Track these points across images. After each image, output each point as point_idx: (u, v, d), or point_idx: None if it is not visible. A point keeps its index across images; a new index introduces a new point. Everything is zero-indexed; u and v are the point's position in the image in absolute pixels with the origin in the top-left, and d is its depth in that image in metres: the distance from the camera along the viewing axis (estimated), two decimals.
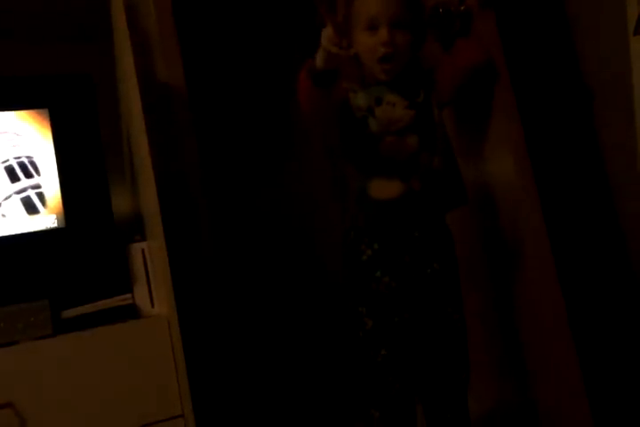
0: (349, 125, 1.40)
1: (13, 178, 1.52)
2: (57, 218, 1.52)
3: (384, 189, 1.38)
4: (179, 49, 1.85)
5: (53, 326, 1.40)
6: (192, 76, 1.93)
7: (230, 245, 2.00)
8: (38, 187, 1.53)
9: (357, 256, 1.39)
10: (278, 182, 2.29)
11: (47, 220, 1.52)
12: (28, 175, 1.53)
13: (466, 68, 1.46)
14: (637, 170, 1.47)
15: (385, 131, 1.38)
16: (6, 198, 1.50)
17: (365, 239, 1.39)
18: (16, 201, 1.51)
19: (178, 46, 1.86)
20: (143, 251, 1.52)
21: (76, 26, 1.74)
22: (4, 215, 1.49)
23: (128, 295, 1.52)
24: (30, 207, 1.51)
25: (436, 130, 1.43)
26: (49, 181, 1.53)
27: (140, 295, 1.52)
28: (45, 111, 1.54)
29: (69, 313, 1.46)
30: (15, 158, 1.52)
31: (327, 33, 1.19)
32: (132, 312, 1.51)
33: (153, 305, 1.50)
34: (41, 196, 1.52)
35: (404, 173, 1.37)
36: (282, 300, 2.14)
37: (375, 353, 1.36)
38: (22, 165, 1.53)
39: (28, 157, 1.53)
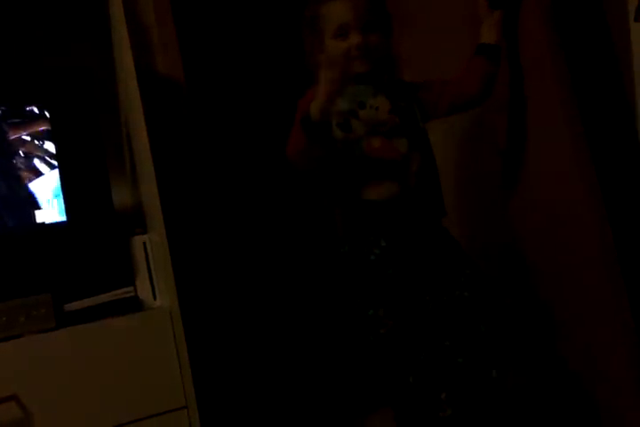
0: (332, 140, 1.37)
1: None
2: (59, 212, 1.53)
3: (378, 190, 1.35)
4: (177, 42, 1.85)
5: (56, 320, 1.41)
6: (191, 70, 1.92)
7: (232, 236, 2.00)
8: None
9: (365, 258, 1.35)
10: (280, 174, 2.29)
11: (49, 213, 1.52)
12: None
13: (453, 97, 1.43)
14: None
15: (371, 131, 1.36)
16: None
17: (371, 238, 1.35)
18: None
19: (176, 39, 1.85)
20: (145, 244, 1.52)
21: (74, 21, 1.73)
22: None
23: (130, 288, 1.53)
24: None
25: (422, 135, 1.41)
26: (49, 174, 1.53)
27: (143, 288, 1.53)
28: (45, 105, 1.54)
29: (72, 306, 1.47)
30: None
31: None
32: (134, 305, 1.51)
33: (155, 297, 1.50)
34: None
35: (396, 174, 1.35)
36: (283, 292, 2.14)
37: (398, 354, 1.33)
38: None
39: None
